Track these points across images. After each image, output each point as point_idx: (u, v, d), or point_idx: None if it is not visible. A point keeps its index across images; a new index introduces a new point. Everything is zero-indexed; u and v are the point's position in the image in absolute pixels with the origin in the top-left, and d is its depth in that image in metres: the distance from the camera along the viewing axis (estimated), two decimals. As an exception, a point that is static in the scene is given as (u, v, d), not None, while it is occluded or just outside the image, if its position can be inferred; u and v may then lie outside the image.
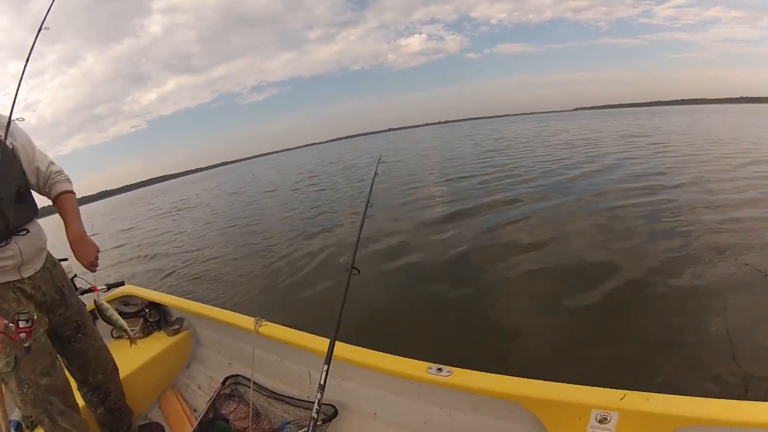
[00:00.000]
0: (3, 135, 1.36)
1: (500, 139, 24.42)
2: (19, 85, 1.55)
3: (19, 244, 1.36)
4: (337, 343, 1.65)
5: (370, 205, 1.81)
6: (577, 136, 20.96)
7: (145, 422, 2.01)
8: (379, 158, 2.74)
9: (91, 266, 1.50)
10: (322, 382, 1.13)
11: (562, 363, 2.60)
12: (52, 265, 1.53)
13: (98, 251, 1.52)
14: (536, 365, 2.60)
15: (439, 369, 1.36)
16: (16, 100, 1.45)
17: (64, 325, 1.54)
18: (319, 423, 1.58)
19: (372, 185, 2.02)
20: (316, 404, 1.12)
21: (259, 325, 1.79)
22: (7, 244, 1.32)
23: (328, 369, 1.16)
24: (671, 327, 2.82)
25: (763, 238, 4.13)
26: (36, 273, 1.43)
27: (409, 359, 1.45)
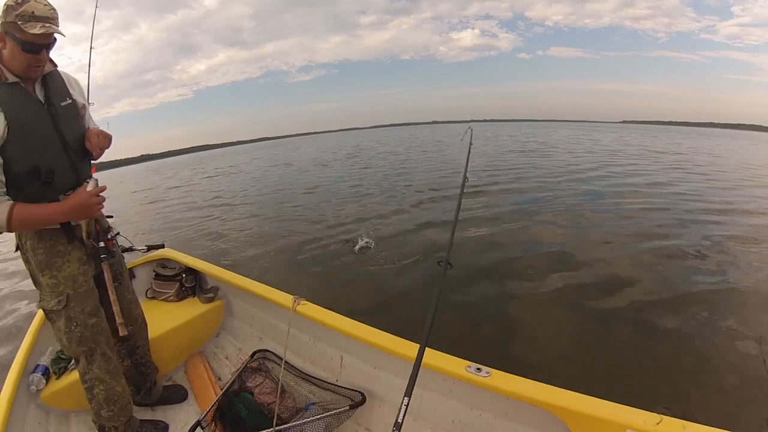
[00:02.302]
0: (86, 94, 1.53)
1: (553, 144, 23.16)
2: (90, 55, 1.64)
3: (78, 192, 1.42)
4: (371, 329, 1.59)
5: (467, 180, 1.72)
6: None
7: (169, 383, 2.04)
8: (470, 130, 2.47)
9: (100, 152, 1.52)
10: (399, 420, 0.98)
11: (596, 376, 2.48)
12: (101, 216, 1.57)
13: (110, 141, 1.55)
14: (568, 375, 2.46)
15: (478, 369, 1.29)
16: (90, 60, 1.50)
17: (105, 255, 1.57)
18: (346, 408, 1.55)
19: (468, 159, 1.93)
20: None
21: (297, 304, 1.77)
22: (74, 191, 1.39)
23: (409, 398, 1.02)
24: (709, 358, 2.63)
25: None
26: (88, 221, 1.48)
27: (449, 355, 1.38)
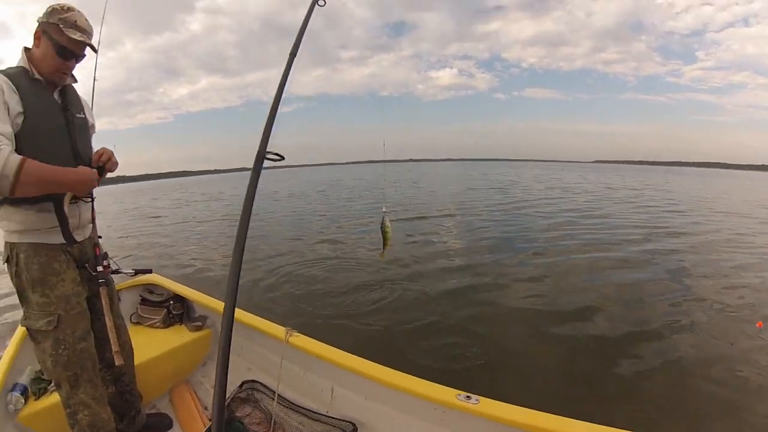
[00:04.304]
0: (90, 106, 1.56)
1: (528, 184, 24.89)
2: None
3: (80, 208, 1.46)
4: (363, 360, 1.65)
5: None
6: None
7: (153, 411, 1.99)
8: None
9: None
10: None
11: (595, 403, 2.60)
12: (95, 237, 1.59)
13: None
14: (564, 402, 2.55)
15: (468, 396, 1.35)
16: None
17: (96, 296, 1.56)
18: (338, 438, 1.57)
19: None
20: None
21: (290, 335, 1.79)
22: (75, 203, 1.41)
23: None
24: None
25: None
26: (84, 240, 1.50)
27: (438, 384, 1.45)
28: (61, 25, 1.29)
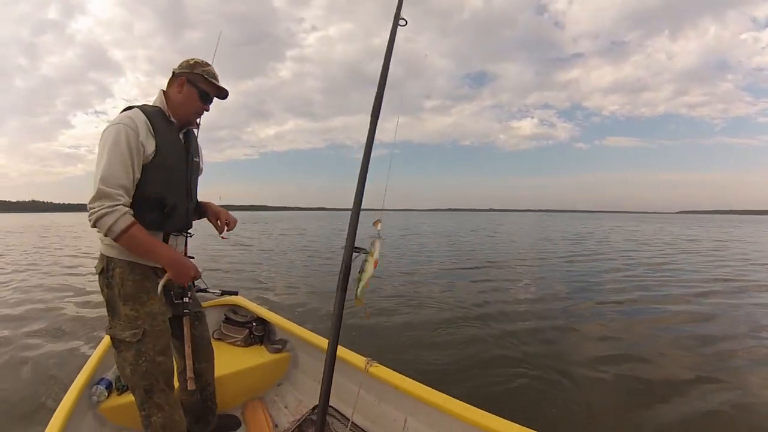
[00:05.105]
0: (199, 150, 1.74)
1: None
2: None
3: (178, 240, 1.61)
4: (437, 393, 1.64)
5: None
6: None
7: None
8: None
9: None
10: None
11: None
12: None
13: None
14: None
15: None
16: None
17: (188, 311, 1.68)
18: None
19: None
20: None
21: (370, 365, 1.83)
22: (176, 235, 1.59)
23: None
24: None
25: None
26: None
27: (516, 423, 1.39)
28: (205, 75, 1.55)
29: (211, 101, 1.63)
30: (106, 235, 1.29)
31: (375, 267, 1.34)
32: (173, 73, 1.55)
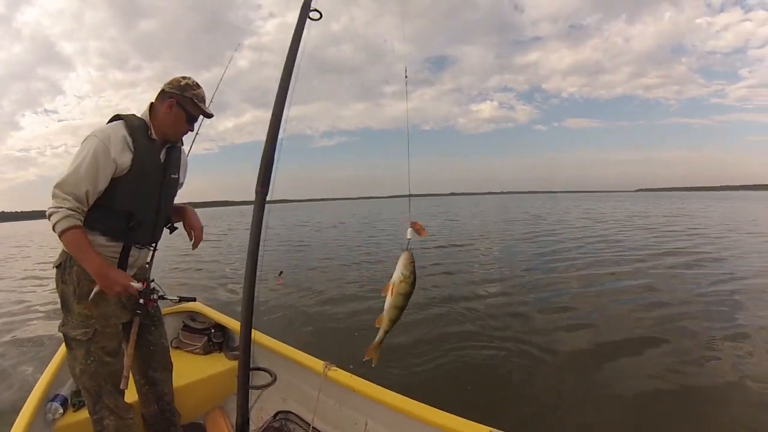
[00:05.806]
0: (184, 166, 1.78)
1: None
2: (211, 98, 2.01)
3: (141, 252, 1.61)
4: (396, 395, 1.64)
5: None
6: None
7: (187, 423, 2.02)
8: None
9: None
10: None
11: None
12: (147, 275, 1.70)
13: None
14: None
15: None
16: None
17: (145, 316, 1.65)
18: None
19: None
20: None
21: (329, 369, 1.82)
22: (140, 248, 1.58)
23: None
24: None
25: None
26: (135, 273, 1.62)
27: (470, 421, 1.42)
28: (195, 100, 1.57)
29: (197, 120, 1.66)
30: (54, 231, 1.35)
31: (408, 292, 0.98)
32: (163, 90, 1.56)
